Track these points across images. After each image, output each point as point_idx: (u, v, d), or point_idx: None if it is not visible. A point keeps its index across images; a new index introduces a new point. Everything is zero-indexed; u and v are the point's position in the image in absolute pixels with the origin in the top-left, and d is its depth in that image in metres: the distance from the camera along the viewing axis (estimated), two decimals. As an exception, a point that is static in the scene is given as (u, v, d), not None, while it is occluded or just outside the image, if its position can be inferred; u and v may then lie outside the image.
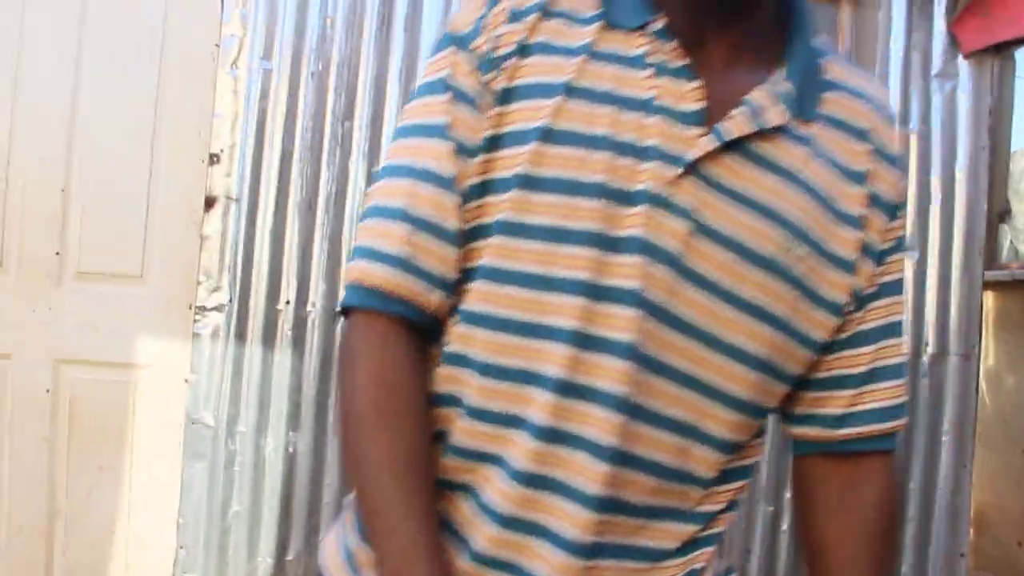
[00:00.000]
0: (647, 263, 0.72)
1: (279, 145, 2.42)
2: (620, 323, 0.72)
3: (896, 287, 0.84)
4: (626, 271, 0.72)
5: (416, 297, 0.76)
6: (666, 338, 0.73)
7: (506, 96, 0.76)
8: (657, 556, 0.78)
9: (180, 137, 2.42)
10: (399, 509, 0.72)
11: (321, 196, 2.43)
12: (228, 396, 2.40)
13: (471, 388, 0.76)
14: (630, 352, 0.72)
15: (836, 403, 0.83)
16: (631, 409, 0.73)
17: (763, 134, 0.75)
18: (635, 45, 0.76)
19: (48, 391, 2.39)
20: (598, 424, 0.73)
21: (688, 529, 0.80)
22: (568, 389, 0.73)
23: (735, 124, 0.74)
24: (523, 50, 0.77)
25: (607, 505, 0.74)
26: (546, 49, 0.76)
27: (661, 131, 0.73)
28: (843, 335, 0.82)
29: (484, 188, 0.76)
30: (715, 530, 0.82)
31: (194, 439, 2.39)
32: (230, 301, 2.39)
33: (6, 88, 2.39)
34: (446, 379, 0.78)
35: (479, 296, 0.76)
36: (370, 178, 2.43)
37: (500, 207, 0.74)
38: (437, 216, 0.76)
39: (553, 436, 0.73)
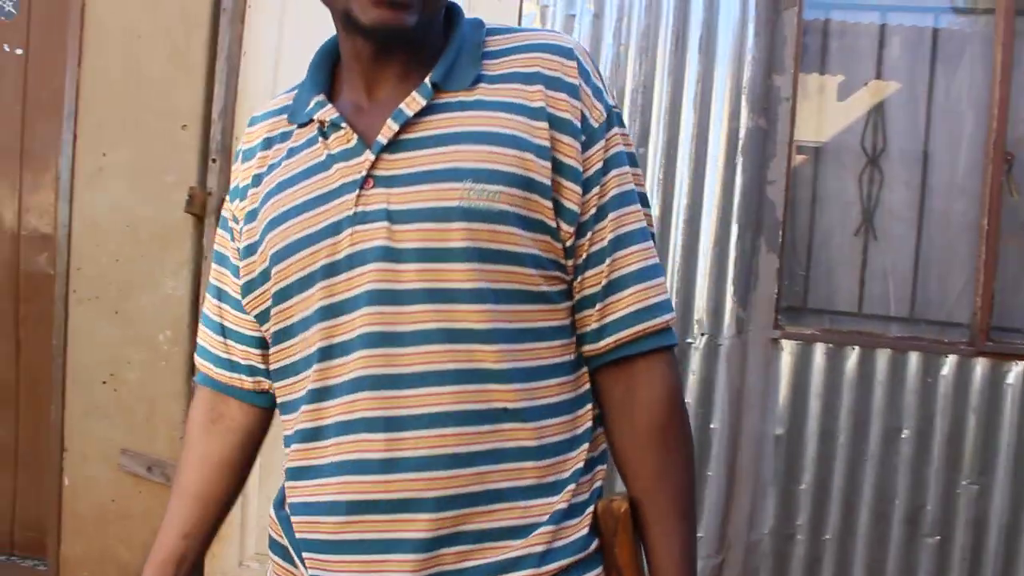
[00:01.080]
0: (363, 270, 0.86)
1: (576, 171, 2.48)
2: (359, 322, 0.86)
3: (619, 203, 0.90)
4: (347, 285, 0.87)
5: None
6: (397, 314, 0.85)
7: (249, 216, 0.97)
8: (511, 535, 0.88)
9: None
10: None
11: (616, 221, 2.47)
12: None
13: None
14: (368, 341, 0.86)
15: (589, 320, 0.91)
16: (377, 384, 0.86)
17: (419, 122, 0.88)
18: (313, 129, 0.93)
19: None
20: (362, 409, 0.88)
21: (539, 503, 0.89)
22: (322, 394, 0.89)
23: (385, 132, 0.88)
24: (256, 179, 0.98)
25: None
26: (269, 170, 0.96)
27: (341, 173, 0.89)
28: (580, 259, 0.90)
29: (247, 287, 0.99)
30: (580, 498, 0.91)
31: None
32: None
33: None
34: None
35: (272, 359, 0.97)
36: (664, 205, 2.46)
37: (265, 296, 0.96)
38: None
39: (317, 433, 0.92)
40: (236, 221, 1.00)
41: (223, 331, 1.03)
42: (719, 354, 2.48)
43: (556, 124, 0.88)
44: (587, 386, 0.93)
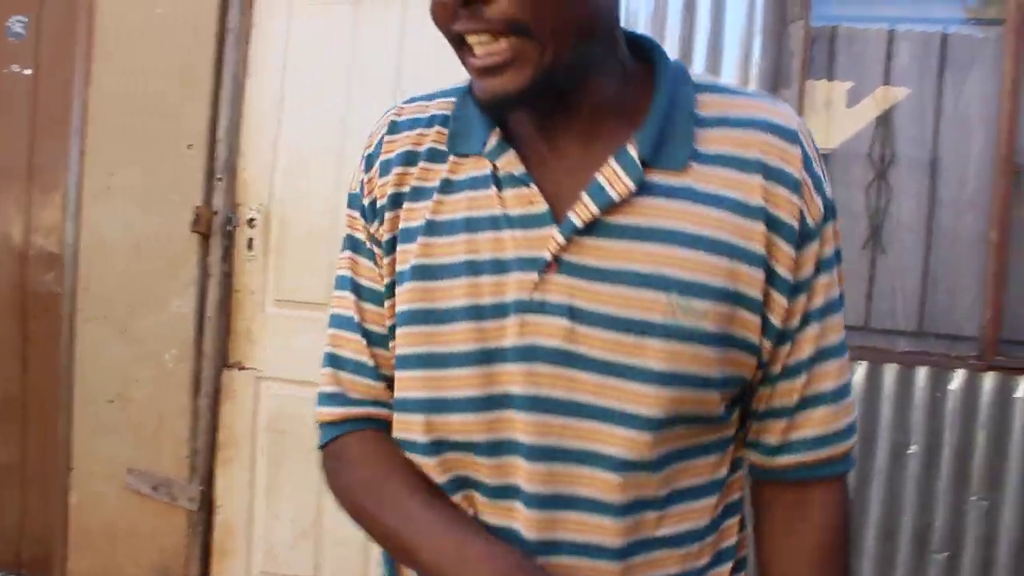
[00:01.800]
0: (529, 367, 0.76)
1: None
2: (518, 426, 0.77)
3: (824, 312, 0.81)
4: (511, 378, 0.76)
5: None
6: (559, 424, 0.76)
7: (390, 245, 0.84)
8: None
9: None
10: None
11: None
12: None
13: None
14: (531, 452, 0.76)
15: (772, 433, 0.83)
16: (548, 503, 0.77)
17: (622, 206, 0.75)
18: (481, 167, 0.80)
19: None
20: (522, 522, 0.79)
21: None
22: (494, 492, 0.79)
23: (581, 210, 0.75)
24: (395, 200, 0.83)
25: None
26: (413, 195, 0.83)
27: (516, 242, 0.77)
28: (774, 369, 0.81)
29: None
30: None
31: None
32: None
33: (334, 148, 2.58)
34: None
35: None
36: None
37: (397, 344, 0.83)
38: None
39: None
40: (378, 245, 0.85)
41: (359, 368, 0.88)
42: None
43: (774, 226, 0.76)
44: (738, 495, 0.87)
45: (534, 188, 0.77)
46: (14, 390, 3.14)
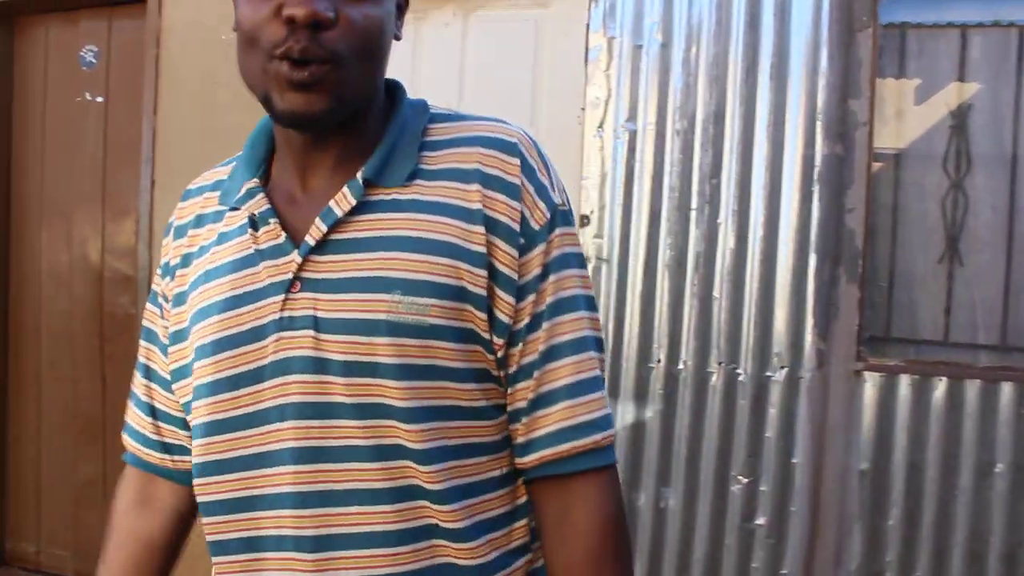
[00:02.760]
0: (287, 379, 0.83)
1: (647, 205, 2.46)
2: (285, 434, 0.83)
3: (554, 311, 0.85)
4: (273, 393, 0.83)
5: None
6: (318, 426, 0.82)
7: (177, 299, 0.93)
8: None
9: (553, 201, 2.52)
10: None
11: (690, 255, 2.44)
12: (600, 450, 2.48)
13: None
14: (297, 457, 0.82)
15: (518, 433, 0.87)
16: (307, 502, 0.83)
17: (350, 222, 0.84)
18: (244, 215, 0.88)
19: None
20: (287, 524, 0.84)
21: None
22: (245, 503, 0.86)
23: (313, 232, 0.84)
24: (185, 259, 0.94)
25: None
26: (199, 253, 0.92)
27: (268, 271, 0.85)
28: (510, 370, 0.86)
29: (176, 374, 0.95)
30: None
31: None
32: (601, 359, 2.46)
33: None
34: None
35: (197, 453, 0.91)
36: (739, 236, 2.42)
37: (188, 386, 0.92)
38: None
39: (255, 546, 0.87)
40: (166, 300, 0.96)
41: (152, 411, 1.00)
42: (800, 387, 2.42)
43: (493, 228, 0.83)
44: (524, 498, 0.90)
45: (274, 221, 0.86)
46: (94, 410, 3.23)
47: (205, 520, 0.91)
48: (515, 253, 0.84)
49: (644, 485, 2.47)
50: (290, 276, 0.84)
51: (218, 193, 0.94)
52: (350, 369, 0.81)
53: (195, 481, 0.90)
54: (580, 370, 0.85)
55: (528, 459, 0.87)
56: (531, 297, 0.84)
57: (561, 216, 0.87)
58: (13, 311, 3.43)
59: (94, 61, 3.23)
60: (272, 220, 0.86)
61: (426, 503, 0.83)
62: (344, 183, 0.85)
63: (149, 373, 0.99)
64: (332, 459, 0.82)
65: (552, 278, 0.85)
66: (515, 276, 0.84)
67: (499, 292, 0.84)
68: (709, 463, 2.46)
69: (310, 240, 0.84)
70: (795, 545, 2.43)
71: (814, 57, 2.40)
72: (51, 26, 3.35)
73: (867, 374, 2.41)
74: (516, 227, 0.84)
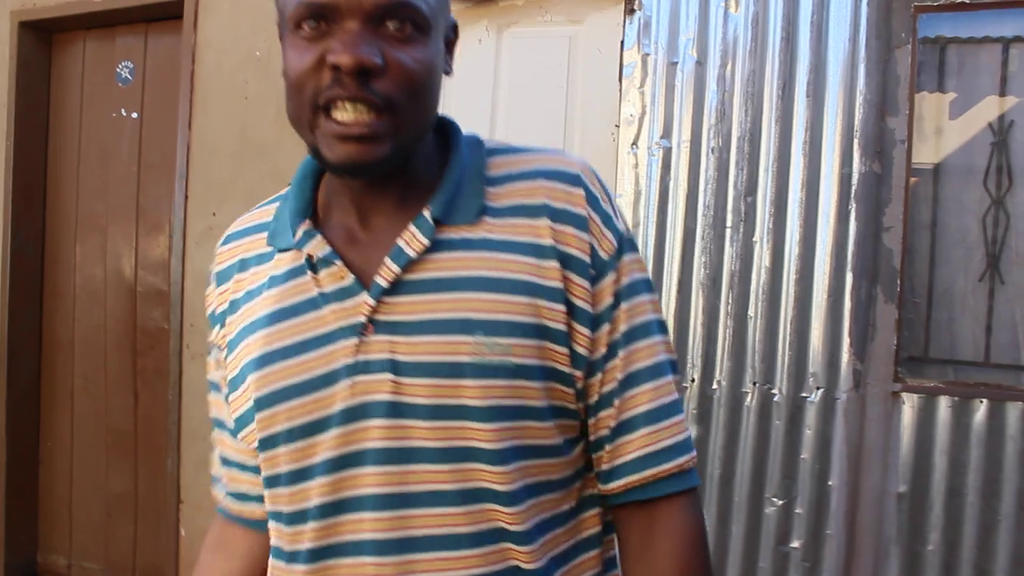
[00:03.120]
0: (365, 424, 0.81)
1: (681, 223, 2.43)
2: (365, 481, 0.82)
3: (629, 338, 0.86)
4: (357, 438, 0.82)
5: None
6: (400, 472, 0.81)
7: (231, 346, 0.91)
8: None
9: (586, 219, 2.51)
10: None
11: (725, 274, 2.41)
12: (633, 470, 2.45)
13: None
14: (377, 503, 0.81)
15: (602, 461, 0.88)
16: (389, 549, 0.81)
17: (422, 263, 0.82)
18: (299, 257, 0.87)
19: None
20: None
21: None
22: (323, 553, 0.84)
23: (385, 274, 0.82)
24: (233, 305, 0.92)
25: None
26: (247, 297, 0.90)
27: (335, 314, 0.83)
28: (592, 400, 0.86)
29: (239, 422, 0.92)
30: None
31: (601, 510, 2.47)
32: (636, 378, 2.44)
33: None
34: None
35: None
36: (775, 255, 2.39)
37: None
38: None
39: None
40: (220, 349, 0.95)
41: (225, 461, 1.00)
42: (836, 408, 2.39)
43: (566, 262, 0.84)
44: (591, 531, 0.91)
45: (339, 263, 0.84)
46: (126, 423, 3.25)
47: (272, 562, 0.91)
48: (588, 285, 0.84)
49: (677, 506, 2.44)
50: (363, 319, 0.83)
51: (264, 235, 0.92)
52: (436, 413, 0.80)
53: (270, 525, 0.90)
54: (659, 395, 0.87)
55: (613, 486, 0.88)
56: (606, 327, 0.85)
57: (628, 243, 0.88)
58: (47, 324, 3.46)
59: (130, 77, 3.26)
60: (337, 262, 0.84)
61: (510, 545, 0.83)
62: (408, 222, 0.84)
63: (219, 424, 1.00)
64: (415, 504, 0.81)
65: (624, 306, 0.86)
66: (589, 308, 0.84)
67: (576, 325, 0.84)
68: (743, 484, 2.42)
69: (382, 281, 0.82)
70: (831, 569, 2.39)
71: (851, 74, 2.37)
72: (88, 42, 3.39)
73: (905, 395, 2.37)
74: (587, 259, 0.85)
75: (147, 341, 3.23)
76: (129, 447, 3.26)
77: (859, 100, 2.37)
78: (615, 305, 0.86)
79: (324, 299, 0.85)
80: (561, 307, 0.83)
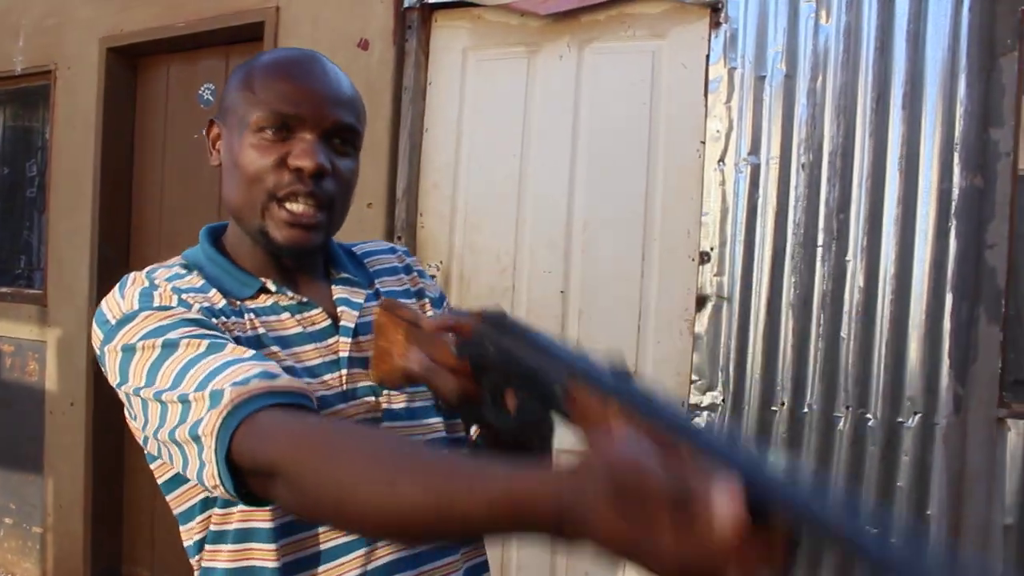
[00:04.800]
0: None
1: (770, 242, 2.36)
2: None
3: None
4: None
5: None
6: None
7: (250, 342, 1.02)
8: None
9: (670, 237, 2.45)
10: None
11: (816, 294, 2.33)
12: (720, 495, 2.38)
13: None
14: None
15: None
16: None
17: (363, 310, 1.08)
18: (264, 302, 1.03)
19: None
20: None
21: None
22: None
23: (347, 319, 1.06)
24: (216, 315, 1.00)
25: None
26: (249, 328, 1.01)
27: (318, 351, 1.02)
28: None
29: None
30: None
31: (686, 536, 2.40)
32: (723, 401, 2.37)
33: (511, 203, 2.57)
34: None
35: None
36: (869, 274, 2.30)
37: None
38: None
39: None
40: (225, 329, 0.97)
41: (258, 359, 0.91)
42: (935, 434, 2.28)
43: (421, 295, 1.19)
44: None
45: (319, 309, 1.05)
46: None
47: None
48: (431, 306, 1.19)
49: (767, 534, 2.35)
50: (344, 355, 1.03)
51: (208, 294, 0.99)
52: (411, 414, 1.09)
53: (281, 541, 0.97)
54: None
55: None
56: None
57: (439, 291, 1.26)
58: (132, 340, 3.52)
59: (211, 99, 3.31)
60: (317, 308, 1.05)
61: None
62: (324, 284, 1.09)
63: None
64: None
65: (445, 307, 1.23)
66: None
67: None
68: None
69: (349, 324, 1.05)
70: (931, 603, 2.28)
71: (951, 84, 2.27)
72: (172, 65, 3.46)
73: (1010, 421, 2.25)
74: (432, 292, 1.21)
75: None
76: (210, 463, 3.30)
77: (959, 111, 2.27)
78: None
79: (310, 337, 1.03)
80: None
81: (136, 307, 0.92)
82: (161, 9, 3.28)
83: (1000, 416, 2.25)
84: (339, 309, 1.05)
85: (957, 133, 2.26)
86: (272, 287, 1.03)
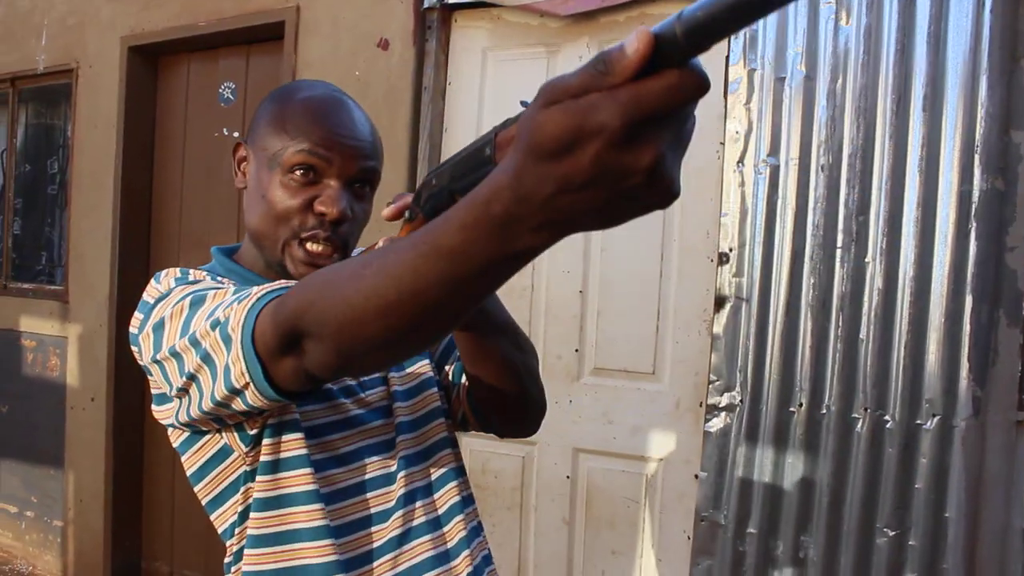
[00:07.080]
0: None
1: (789, 243, 2.36)
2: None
3: None
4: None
5: None
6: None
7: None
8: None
9: (689, 238, 2.45)
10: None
11: (835, 296, 2.33)
12: (737, 496, 2.39)
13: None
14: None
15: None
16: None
17: None
18: None
19: (568, 477, 2.54)
20: None
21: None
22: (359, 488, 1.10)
23: None
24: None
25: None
26: None
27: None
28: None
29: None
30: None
31: (704, 535, 2.41)
32: (741, 402, 2.38)
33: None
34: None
35: None
36: (888, 276, 2.30)
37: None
38: None
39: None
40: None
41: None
42: (953, 437, 2.28)
43: None
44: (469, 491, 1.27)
45: None
46: (226, 436, 3.31)
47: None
48: None
49: (783, 533, 2.36)
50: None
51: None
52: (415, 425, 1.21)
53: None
54: None
55: None
56: None
57: None
58: (152, 337, 3.55)
59: (232, 98, 3.34)
60: None
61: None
62: None
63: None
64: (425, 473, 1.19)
65: None
66: None
67: None
68: (853, 513, 2.33)
69: None
70: (949, 605, 2.28)
71: (972, 86, 2.26)
72: (192, 64, 3.49)
73: (1030, 424, 2.25)
74: None
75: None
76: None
77: (980, 113, 2.26)
78: None
79: None
80: None
81: (173, 285, 1.02)
82: (182, 8, 3.31)
83: (1019, 419, 2.25)
84: None
85: (978, 135, 2.26)
86: None
